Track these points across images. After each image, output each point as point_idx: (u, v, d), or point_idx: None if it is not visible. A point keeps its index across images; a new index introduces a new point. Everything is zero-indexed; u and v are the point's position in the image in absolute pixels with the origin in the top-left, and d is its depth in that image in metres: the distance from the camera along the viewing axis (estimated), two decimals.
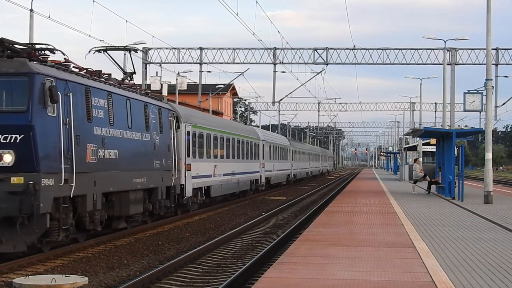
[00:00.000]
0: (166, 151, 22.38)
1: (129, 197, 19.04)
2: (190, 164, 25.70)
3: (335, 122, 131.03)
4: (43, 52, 15.85)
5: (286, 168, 55.27)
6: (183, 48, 48.24)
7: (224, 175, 31.76)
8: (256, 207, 32.62)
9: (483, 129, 30.32)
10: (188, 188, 25.38)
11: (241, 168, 36.02)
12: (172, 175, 23.06)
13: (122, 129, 18.60)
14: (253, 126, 63.85)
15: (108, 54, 21.22)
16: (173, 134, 23.37)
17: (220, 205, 31.81)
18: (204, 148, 28.35)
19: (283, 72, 50.97)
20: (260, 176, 42.41)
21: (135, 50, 22.32)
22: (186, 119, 25.85)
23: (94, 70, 18.08)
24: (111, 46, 22.04)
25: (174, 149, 23.30)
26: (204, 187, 28.31)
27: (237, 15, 38.04)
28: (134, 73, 21.96)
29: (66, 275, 12.99)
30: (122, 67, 22.23)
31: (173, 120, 23.40)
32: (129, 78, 21.62)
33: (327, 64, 48.05)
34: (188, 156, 25.70)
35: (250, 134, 40.32)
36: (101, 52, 21.18)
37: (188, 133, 25.89)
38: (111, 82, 18.78)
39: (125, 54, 22.98)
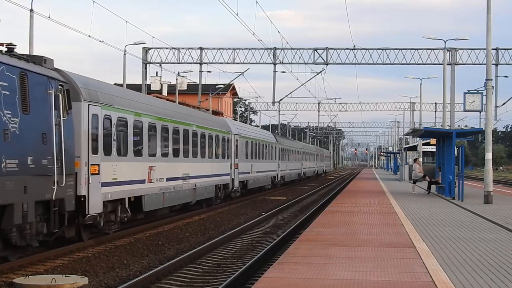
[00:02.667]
0: (38, 144, 14.33)
1: None
2: (98, 165, 17.63)
3: (335, 122, 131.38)
4: None
5: (270, 169, 46.94)
6: (183, 48, 48.32)
7: (168, 179, 23.37)
8: (256, 207, 32.65)
9: (483, 129, 30.33)
10: (93, 201, 17.13)
11: (200, 170, 27.64)
12: (55, 182, 14.87)
13: None
14: (253, 126, 62.82)
15: None
16: (57, 116, 15.31)
17: (220, 205, 31.62)
18: (128, 141, 20.01)
19: (283, 72, 51.15)
20: (232, 179, 33.73)
21: None
22: (91, 95, 17.58)
23: None
24: None
25: (61, 141, 15.32)
26: (131, 198, 19.96)
27: (237, 15, 38.13)
28: None
29: (66, 275, 13.00)
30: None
31: (59, 95, 15.42)
32: None
33: (327, 64, 48.16)
34: (95, 153, 17.52)
35: (216, 126, 31.34)
36: None
37: (96, 116, 17.68)
38: None
39: None
